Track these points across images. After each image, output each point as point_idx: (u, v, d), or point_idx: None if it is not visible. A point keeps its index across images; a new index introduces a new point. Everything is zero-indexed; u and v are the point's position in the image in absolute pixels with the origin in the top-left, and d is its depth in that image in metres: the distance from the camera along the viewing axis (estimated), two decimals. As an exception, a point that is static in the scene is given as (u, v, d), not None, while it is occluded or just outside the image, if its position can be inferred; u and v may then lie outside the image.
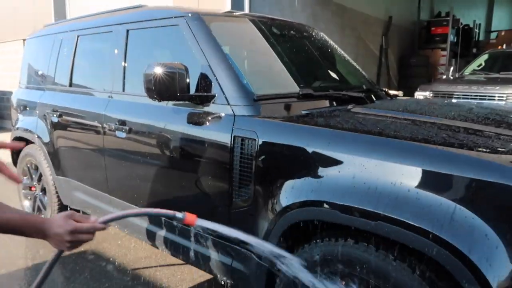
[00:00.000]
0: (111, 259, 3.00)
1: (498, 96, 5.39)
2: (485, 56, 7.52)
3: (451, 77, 6.98)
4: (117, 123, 2.45)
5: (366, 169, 1.41)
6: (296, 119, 1.84)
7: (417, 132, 1.56)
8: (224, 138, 1.90)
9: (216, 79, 2.02)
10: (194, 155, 2.05)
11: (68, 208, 3.22)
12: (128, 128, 2.37)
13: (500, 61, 7.19)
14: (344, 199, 1.42)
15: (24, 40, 9.44)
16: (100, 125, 2.59)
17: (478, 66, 7.29)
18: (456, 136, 1.54)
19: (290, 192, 1.62)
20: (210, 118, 2.01)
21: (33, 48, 3.68)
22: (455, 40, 11.97)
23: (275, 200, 1.70)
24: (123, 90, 2.55)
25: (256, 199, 1.79)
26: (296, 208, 1.59)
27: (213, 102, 2.01)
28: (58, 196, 3.18)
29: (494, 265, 1.15)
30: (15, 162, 3.70)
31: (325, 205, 1.48)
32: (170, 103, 2.20)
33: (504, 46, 9.66)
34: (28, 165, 3.49)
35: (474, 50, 13.54)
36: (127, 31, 2.57)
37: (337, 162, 1.49)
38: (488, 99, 5.41)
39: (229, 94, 1.97)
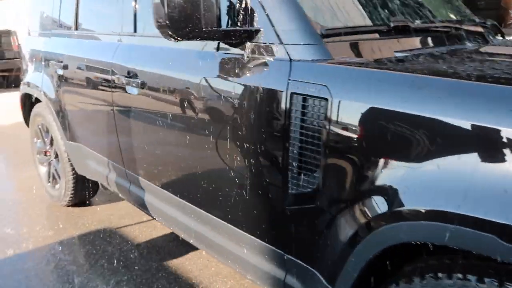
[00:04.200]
0: (132, 241, 2.50)
1: None
2: None
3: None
4: (127, 76, 1.82)
5: None
6: (395, 65, 1.11)
7: None
8: (275, 96, 1.22)
9: (261, 5, 1.31)
10: (230, 121, 1.39)
11: (86, 180, 2.72)
12: (140, 81, 1.74)
13: None
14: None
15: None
16: (109, 79, 1.97)
17: None
18: None
19: (396, 191, 0.94)
20: (252, 66, 1.32)
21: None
22: (533, -23, 10.20)
23: (362, 201, 1.03)
24: (135, 30, 1.89)
25: (325, 193, 1.13)
26: (405, 219, 0.92)
27: (257, 42, 1.32)
28: (71, 165, 2.68)
29: None
30: (26, 121, 3.22)
31: (473, 224, 0.80)
32: (194, 44, 1.52)
33: None
34: (40, 127, 2.99)
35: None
36: None
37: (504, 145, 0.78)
38: None
39: (282, 27, 1.26)
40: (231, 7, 1.38)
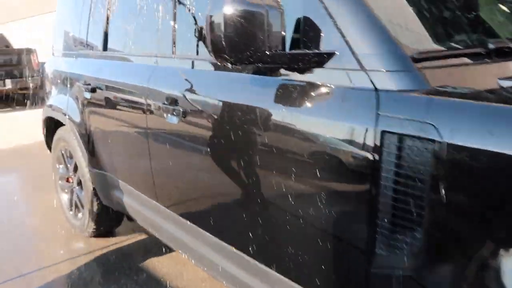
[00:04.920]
0: (161, 280, 2.28)
1: None
2: None
3: None
4: (166, 102, 1.63)
5: None
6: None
7: None
8: (358, 134, 1.00)
9: (336, 24, 1.11)
10: (295, 160, 1.18)
11: (110, 211, 2.52)
12: (181, 110, 1.54)
13: None
14: None
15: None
16: (143, 104, 1.78)
17: None
18: None
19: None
20: (324, 96, 1.11)
21: (65, 4, 2.94)
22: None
23: (494, 274, 0.79)
24: (173, 52, 1.71)
25: (431, 259, 0.90)
26: None
27: (331, 67, 1.11)
28: (96, 194, 2.48)
29: None
30: (49, 144, 3.06)
31: None
32: (247, 68, 1.32)
33: None
34: (63, 151, 2.82)
35: None
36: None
37: None
38: None
39: (364, 50, 1.05)
40: (298, 26, 1.17)
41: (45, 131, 3.01)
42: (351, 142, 1.02)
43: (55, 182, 3.01)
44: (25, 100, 9.01)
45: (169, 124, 1.61)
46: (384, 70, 1.01)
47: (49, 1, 9.77)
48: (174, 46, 1.70)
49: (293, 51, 1.15)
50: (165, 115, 1.63)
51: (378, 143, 0.96)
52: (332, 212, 1.08)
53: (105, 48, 2.24)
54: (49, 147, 3.06)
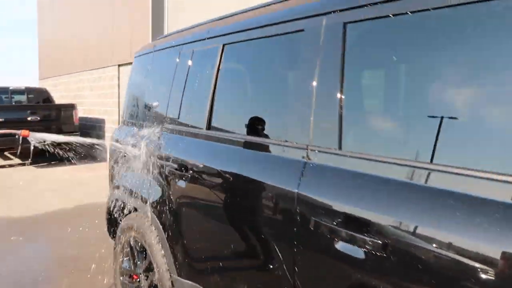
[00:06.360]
0: None
1: None
2: None
3: None
4: (338, 223, 1.10)
5: None
6: None
7: None
8: None
9: None
10: None
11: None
12: (380, 242, 1.00)
13: None
14: None
15: (119, 65, 8.93)
16: (289, 217, 1.26)
17: None
18: None
19: None
20: None
21: (143, 69, 2.56)
22: None
23: None
24: (340, 145, 1.21)
25: None
26: None
27: None
28: (178, 308, 1.92)
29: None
30: (110, 229, 2.57)
31: None
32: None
33: None
34: (132, 242, 2.31)
35: None
36: (344, 24, 1.24)
37: None
38: None
39: None
40: None
41: (108, 215, 2.53)
42: None
43: (115, 277, 2.47)
44: (62, 156, 8.74)
45: (345, 255, 1.07)
46: None
47: (94, 60, 9.85)
48: (341, 135, 1.20)
49: None
50: (337, 241, 1.10)
51: None
52: None
53: (209, 126, 1.78)
54: (111, 231, 2.56)
